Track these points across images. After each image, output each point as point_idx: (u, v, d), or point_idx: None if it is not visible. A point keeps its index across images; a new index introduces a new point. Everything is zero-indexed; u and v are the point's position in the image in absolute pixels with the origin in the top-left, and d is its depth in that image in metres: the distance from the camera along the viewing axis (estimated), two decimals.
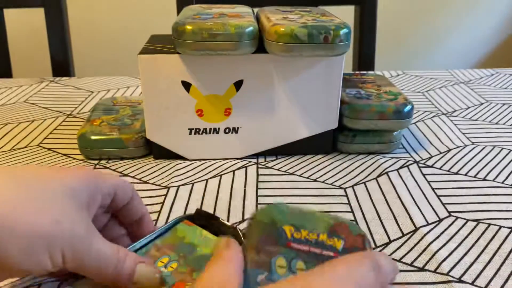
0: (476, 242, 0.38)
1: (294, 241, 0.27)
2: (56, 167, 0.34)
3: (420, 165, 0.50)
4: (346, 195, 0.45)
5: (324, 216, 0.29)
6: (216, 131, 0.50)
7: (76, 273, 0.29)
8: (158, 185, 0.46)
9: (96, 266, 0.28)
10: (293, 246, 0.27)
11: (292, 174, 0.49)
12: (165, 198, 0.44)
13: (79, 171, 0.30)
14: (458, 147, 0.55)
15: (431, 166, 0.50)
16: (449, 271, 0.34)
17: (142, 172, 0.49)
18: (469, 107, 0.67)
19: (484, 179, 0.48)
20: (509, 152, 0.53)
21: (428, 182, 0.47)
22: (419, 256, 0.36)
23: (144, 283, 0.29)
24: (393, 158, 0.52)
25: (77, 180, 0.29)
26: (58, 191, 0.28)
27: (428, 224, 0.40)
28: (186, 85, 0.48)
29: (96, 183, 0.30)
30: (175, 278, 0.30)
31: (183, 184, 0.47)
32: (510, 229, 0.39)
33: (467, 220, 0.41)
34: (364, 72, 0.70)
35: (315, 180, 0.48)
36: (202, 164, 0.51)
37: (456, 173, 0.49)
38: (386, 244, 0.38)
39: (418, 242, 0.38)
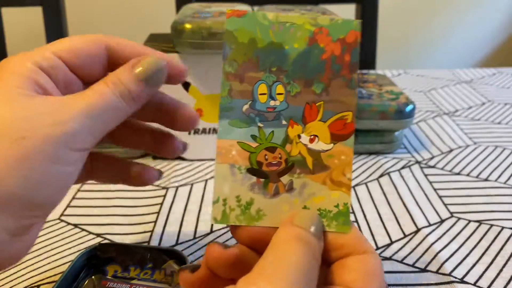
0: (478, 243, 0.37)
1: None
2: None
3: (422, 165, 0.50)
4: None
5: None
6: (216, 131, 0.50)
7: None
8: (157, 186, 0.46)
9: (105, 115, 0.24)
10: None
11: None
12: (164, 199, 0.44)
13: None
14: (460, 147, 0.54)
15: (433, 167, 0.50)
16: (451, 271, 0.34)
17: None
18: (471, 107, 0.67)
19: (486, 180, 0.47)
20: None
21: (430, 182, 0.47)
22: (421, 257, 0.36)
23: (157, 76, 0.26)
24: (394, 158, 0.52)
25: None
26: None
27: (430, 225, 0.40)
28: (185, 85, 0.48)
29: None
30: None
31: (182, 185, 0.46)
32: None
33: (469, 221, 0.40)
34: (365, 71, 0.69)
35: None
36: (201, 164, 0.50)
37: (458, 174, 0.48)
38: (388, 245, 0.37)
39: (420, 243, 0.37)
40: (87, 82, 0.26)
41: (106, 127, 0.24)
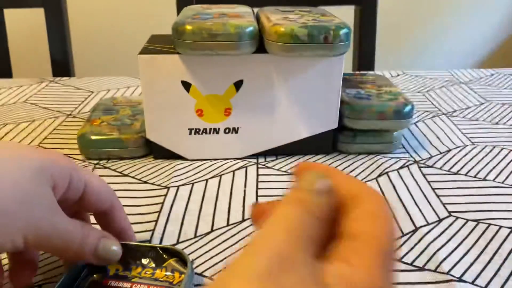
0: (476, 242, 0.38)
1: None
2: (32, 146, 0.34)
3: (420, 165, 0.50)
4: None
5: None
6: (216, 131, 0.50)
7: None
8: (158, 185, 0.46)
9: (60, 243, 0.28)
10: None
11: (292, 174, 0.49)
12: (165, 198, 0.44)
13: (54, 152, 0.31)
14: (458, 147, 0.55)
15: (431, 166, 0.50)
16: (449, 270, 0.34)
17: (142, 172, 0.49)
18: (469, 107, 0.67)
19: (484, 179, 0.48)
20: (509, 152, 0.53)
21: (428, 182, 0.47)
22: (419, 255, 0.36)
23: (107, 258, 0.30)
24: (393, 158, 0.52)
25: (47, 159, 0.29)
26: (25, 166, 0.28)
27: (428, 224, 0.40)
28: (186, 85, 0.48)
29: (66, 166, 0.30)
30: None
31: (183, 184, 0.47)
32: (510, 229, 0.39)
33: (467, 220, 0.41)
34: (364, 72, 0.70)
35: None
36: (202, 164, 0.51)
37: (456, 173, 0.49)
38: None
39: (418, 242, 0.38)
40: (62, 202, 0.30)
41: (48, 245, 0.28)
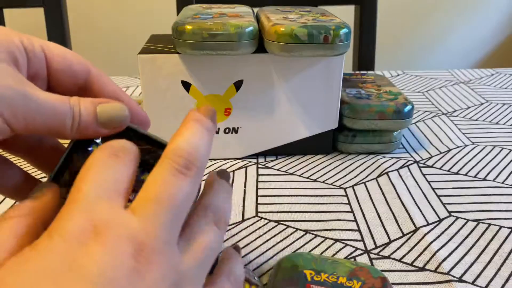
0: (476, 242, 0.38)
1: (313, 283, 0.29)
2: None
3: (420, 165, 0.50)
4: (346, 195, 0.45)
5: (346, 262, 0.31)
6: (216, 131, 0.50)
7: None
8: None
9: (49, 118, 0.23)
10: None
11: (292, 174, 0.49)
12: None
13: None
14: (458, 147, 0.55)
15: (431, 166, 0.50)
16: (450, 270, 0.34)
17: None
18: (469, 107, 0.67)
19: (484, 179, 0.47)
20: (510, 152, 0.53)
21: (428, 182, 0.47)
22: (419, 256, 0.36)
23: (113, 120, 0.25)
24: (393, 158, 0.52)
25: None
26: None
27: (428, 224, 0.40)
28: (186, 85, 0.48)
29: (10, 34, 0.24)
30: None
31: None
32: (510, 229, 0.39)
33: (468, 220, 0.41)
34: (364, 72, 0.70)
35: (315, 180, 0.48)
36: None
37: (456, 173, 0.49)
38: (387, 244, 0.38)
39: (418, 242, 0.38)
40: (52, 88, 0.26)
41: (35, 123, 0.23)
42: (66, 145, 0.27)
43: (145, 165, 0.26)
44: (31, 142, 0.29)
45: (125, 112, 0.25)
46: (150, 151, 0.26)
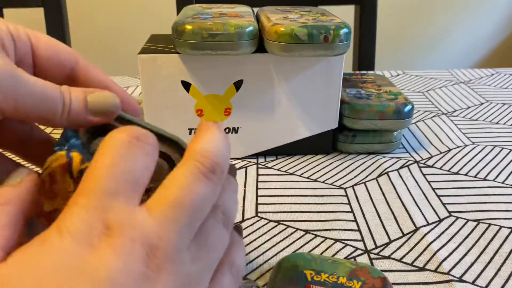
0: (476, 242, 0.38)
1: (313, 283, 0.29)
2: None
3: (420, 165, 0.50)
4: (346, 195, 0.45)
5: (346, 262, 0.31)
6: None
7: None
8: None
9: (38, 104, 0.23)
10: None
11: (292, 174, 0.49)
12: None
13: None
14: (459, 147, 0.55)
15: (431, 166, 0.50)
16: (450, 270, 0.34)
17: None
18: (469, 107, 0.67)
19: (484, 179, 0.47)
20: (510, 152, 0.53)
21: (428, 182, 0.47)
22: (419, 255, 0.36)
23: (104, 108, 0.25)
24: (393, 158, 0.52)
25: None
26: None
27: (429, 224, 0.40)
28: (186, 85, 0.48)
29: None
30: None
31: None
32: (510, 229, 0.39)
33: (468, 220, 0.41)
34: (364, 72, 0.70)
35: (315, 180, 0.48)
36: None
37: (457, 173, 0.49)
38: (387, 244, 0.38)
39: (418, 242, 0.38)
40: (38, 76, 0.25)
41: (25, 106, 0.23)
42: (57, 140, 0.26)
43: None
44: (21, 135, 0.28)
45: (115, 100, 0.25)
46: None
